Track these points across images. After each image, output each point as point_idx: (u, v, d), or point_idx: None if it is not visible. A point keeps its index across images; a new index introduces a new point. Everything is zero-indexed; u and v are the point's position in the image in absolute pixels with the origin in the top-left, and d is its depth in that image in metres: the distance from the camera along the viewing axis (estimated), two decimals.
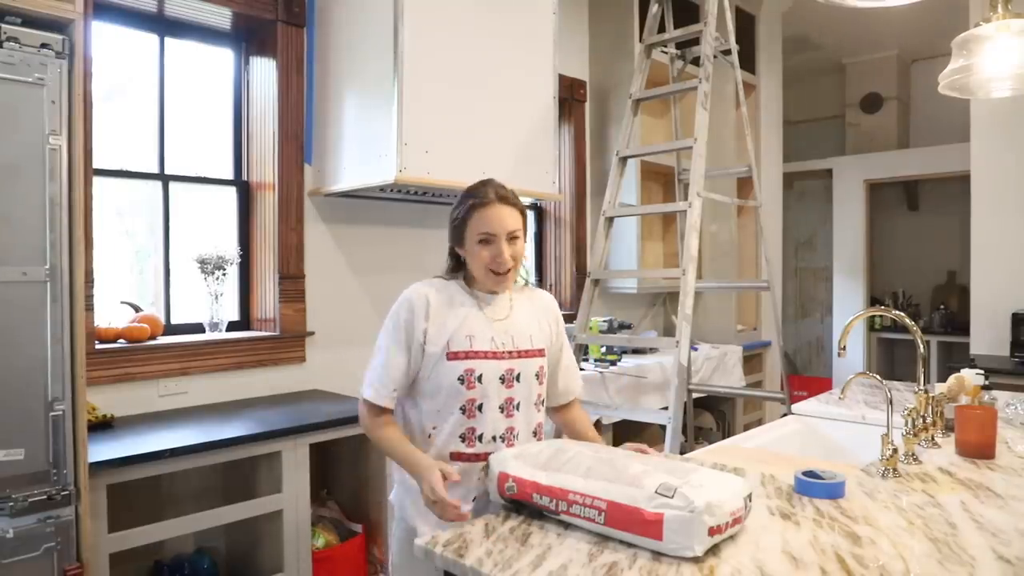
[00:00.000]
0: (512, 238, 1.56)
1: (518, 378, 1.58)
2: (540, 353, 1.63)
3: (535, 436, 1.62)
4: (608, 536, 1.23)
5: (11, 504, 1.67)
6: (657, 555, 1.16)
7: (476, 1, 2.93)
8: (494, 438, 1.55)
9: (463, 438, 1.53)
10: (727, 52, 3.49)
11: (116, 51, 2.72)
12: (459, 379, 1.52)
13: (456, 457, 1.53)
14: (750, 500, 1.25)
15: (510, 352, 1.58)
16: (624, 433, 3.66)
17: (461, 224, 1.57)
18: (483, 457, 1.52)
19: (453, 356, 1.52)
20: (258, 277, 2.99)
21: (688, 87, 3.31)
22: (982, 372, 2.02)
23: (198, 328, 2.84)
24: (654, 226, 4.74)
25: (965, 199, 4.33)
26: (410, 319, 1.55)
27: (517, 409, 1.58)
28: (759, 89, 5.18)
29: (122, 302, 2.67)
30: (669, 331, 4.70)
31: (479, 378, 1.53)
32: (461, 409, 1.52)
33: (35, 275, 1.71)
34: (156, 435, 2.21)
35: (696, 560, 1.13)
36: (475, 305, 1.59)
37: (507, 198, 1.58)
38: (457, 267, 1.64)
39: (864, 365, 6.05)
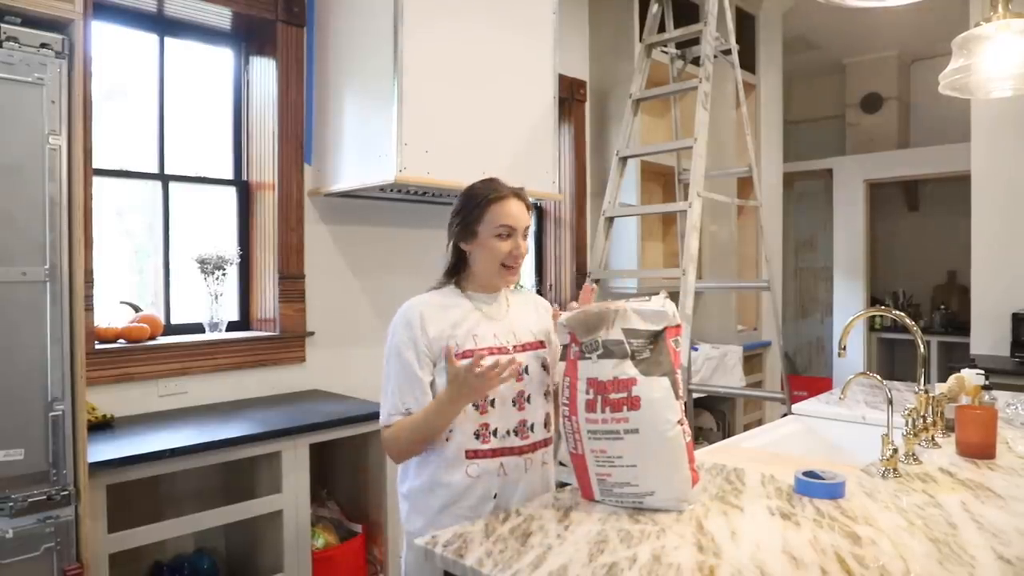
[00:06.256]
0: (525, 235, 1.60)
1: (526, 370, 1.58)
2: (541, 345, 1.64)
3: (546, 427, 1.62)
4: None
5: (11, 504, 1.67)
6: (656, 556, 1.16)
7: (476, 1, 2.93)
8: (508, 432, 1.55)
9: (477, 435, 1.53)
10: (727, 52, 3.49)
11: (116, 51, 2.72)
12: None
13: (473, 455, 1.53)
14: None
15: (514, 347, 1.59)
16: None
17: (475, 219, 1.56)
18: (499, 453, 1.53)
19: (460, 356, 1.52)
20: (258, 277, 2.99)
21: (688, 87, 3.32)
22: (982, 372, 2.01)
23: (198, 328, 2.84)
24: (654, 226, 4.73)
25: (965, 199, 4.32)
26: (411, 335, 1.54)
27: (528, 402, 1.58)
28: (759, 89, 5.17)
29: (122, 302, 2.66)
30: None
31: None
32: (474, 405, 1.52)
33: (35, 275, 1.71)
34: (156, 435, 2.21)
35: (696, 560, 1.14)
36: (472, 307, 1.59)
37: (520, 195, 1.61)
38: (456, 267, 1.64)
39: (864, 365, 6.04)
